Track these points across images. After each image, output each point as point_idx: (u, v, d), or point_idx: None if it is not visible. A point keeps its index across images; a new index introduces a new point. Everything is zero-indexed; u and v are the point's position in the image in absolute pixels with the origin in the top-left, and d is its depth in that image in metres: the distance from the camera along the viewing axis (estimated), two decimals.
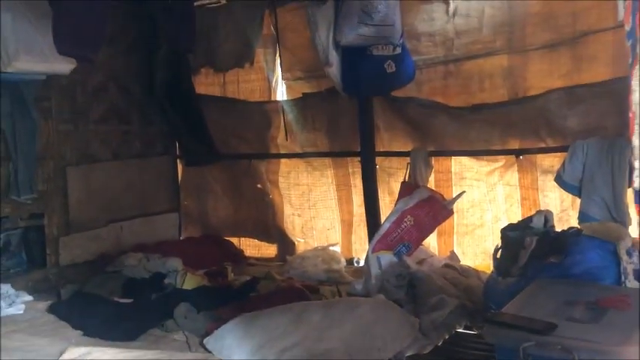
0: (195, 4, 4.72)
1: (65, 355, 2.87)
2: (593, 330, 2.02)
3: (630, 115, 2.18)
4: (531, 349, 1.94)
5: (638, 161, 2.09)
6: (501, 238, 3.07)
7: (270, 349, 2.76)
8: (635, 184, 2.16)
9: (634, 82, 2.14)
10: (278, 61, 4.77)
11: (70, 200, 4.38)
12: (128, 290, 3.83)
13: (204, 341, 2.99)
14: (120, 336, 3.16)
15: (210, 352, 2.91)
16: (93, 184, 4.56)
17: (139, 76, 4.89)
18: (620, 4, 2.55)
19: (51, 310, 3.64)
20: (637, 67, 2.16)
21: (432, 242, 4.28)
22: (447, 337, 3.03)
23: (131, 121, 4.92)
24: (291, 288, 3.61)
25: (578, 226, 3.00)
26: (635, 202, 2.57)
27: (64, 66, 3.84)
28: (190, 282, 3.85)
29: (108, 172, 4.70)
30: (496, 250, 3.09)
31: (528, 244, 2.83)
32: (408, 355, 2.84)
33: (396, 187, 4.32)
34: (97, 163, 4.62)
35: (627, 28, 2.31)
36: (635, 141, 2.09)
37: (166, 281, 3.89)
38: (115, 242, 4.65)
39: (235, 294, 3.72)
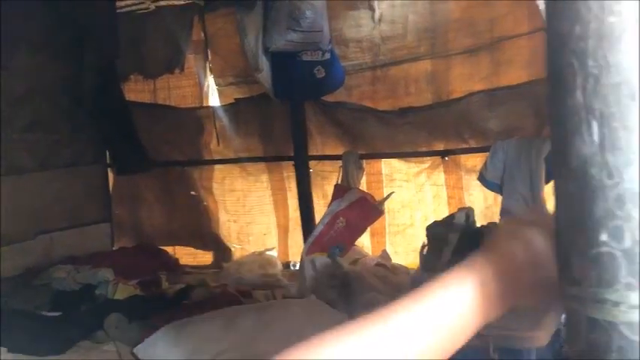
0: (124, 10, 4.65)
1: None
2: (504, 317, 2.11)
3: None
4: None
5: None
6: (426, 235, 3.17)
7: (201, 355, 2.76)
8: None
9: None
10: (209, 66, 4.77)
11: None
12: (57, 303, 3.71)
13: (135, 350, 2.95)
14: (46, 350, 3.07)
15: None
16: (20, 196, 4.39)
17: (66, 83, 4.74)
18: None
19: None
20: None
21: (365, 242, 4.37)
22: None
23: (59, 130, 4.77)
24: (223, 294, 3.60)
25: (497, 222, 3.13)
26: None
27: None
28: (122, 292, 3.78)
29: (36, 183, 4.54)
30: (422, 247, 3.18)
31: (450, 241, 2.93)
32: None
33: (330, 190, 4.37)
34: (24, 174, 4.47)
35: None
36: None
37: (97, 292, 3.81)
38: (44, 255, 4.49)
39: (168, 302, 3.68)
